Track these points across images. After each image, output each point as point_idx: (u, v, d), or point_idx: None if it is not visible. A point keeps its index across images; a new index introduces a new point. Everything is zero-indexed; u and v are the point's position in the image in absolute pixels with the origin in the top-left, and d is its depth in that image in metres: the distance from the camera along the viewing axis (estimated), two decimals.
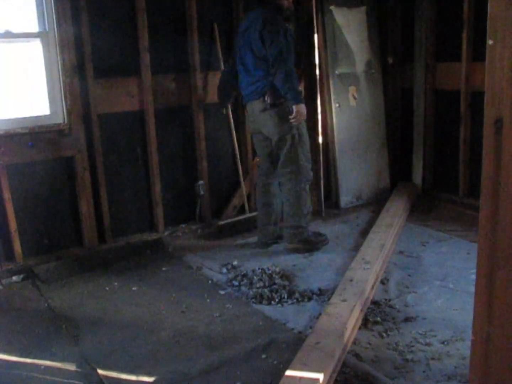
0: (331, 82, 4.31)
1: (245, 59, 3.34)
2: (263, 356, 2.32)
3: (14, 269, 3.27)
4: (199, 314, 2.74)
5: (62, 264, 3.37)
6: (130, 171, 3.71)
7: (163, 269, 3.34)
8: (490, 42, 1.31)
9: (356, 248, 3.39)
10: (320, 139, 4.18)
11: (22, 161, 3.27)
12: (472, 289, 1.55)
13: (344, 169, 4.42)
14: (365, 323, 2.54)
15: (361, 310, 2.57)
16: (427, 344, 2.35)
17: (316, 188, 4.14)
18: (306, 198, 3.47)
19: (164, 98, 3.75)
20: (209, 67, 3.89)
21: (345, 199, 4.44)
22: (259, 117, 3.35)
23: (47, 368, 2.32)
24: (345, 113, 4.40)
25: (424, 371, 2.16)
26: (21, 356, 2.41)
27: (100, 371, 2.27)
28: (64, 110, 3.37)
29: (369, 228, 3.68)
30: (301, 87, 3.79)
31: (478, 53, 3.89)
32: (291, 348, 2.34)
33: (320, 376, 1.93)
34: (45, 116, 3.36)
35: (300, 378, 1.93)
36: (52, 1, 3.22)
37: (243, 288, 2.99)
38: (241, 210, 4.13)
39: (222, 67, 3.85)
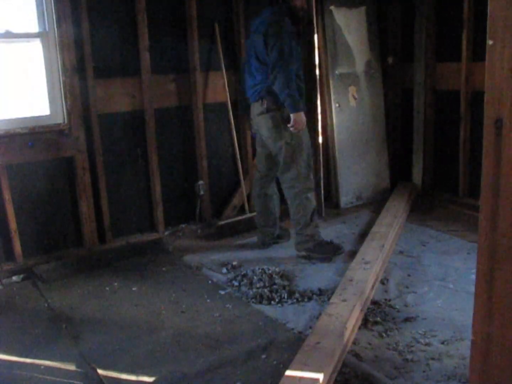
0: (331, 82, 4.31)
1: (250, 61, 3.33)
2: (263, 356, 2.32)
3: (14, 269, 3.27)
4: (199, 314, 2.74)
5: (62, 264, 3.37)
6: (130, 171, 3.71)
7: (163, 269, 3.34)
8: (490, 42, 1.31)
9: (356, 248, 3.38)
10: (320, 139, 4.19)
11: (22, 161, 3.27)
12: (472, 289, 1.55)
13: (344, 169, 4.43)
14: (365, 323, 2.54)
15: (361, 310, 2.57)
16: (427, 344, 2.35)
17: (316, 188, 4.14)
18: (309, 207, 3.35)
19: (164, 98, 3.75)
20: (209, 67, 3.89)
21: (345, 199, 4.44)
22: (257, 119, 3.35)
23: (47, 368, 2.32)
24: (345, 113, 4.41)
25: (424, 371, 2.16)
26: (21, 356, 2.41)
27: (100, 371, 2.27)
28: (64, 110, 3.37)
29: (369, 228, 3.68)
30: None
31: (478, 53, 3.90)
32: (291, 348, 2.34)
33: (320, 376, 1.93)
34: (45, 116, 3.36)
35: (300, 378, 1.93)
36: (52, 1, 3.22)
37: (243, 288, 2.99)
38: (241, 210, 4.13)
39: (223, 67, 3.86)
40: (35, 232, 3.40)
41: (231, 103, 3.96)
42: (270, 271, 3.11)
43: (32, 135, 3.27)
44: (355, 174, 4.49)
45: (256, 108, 3.32)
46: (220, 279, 3.14)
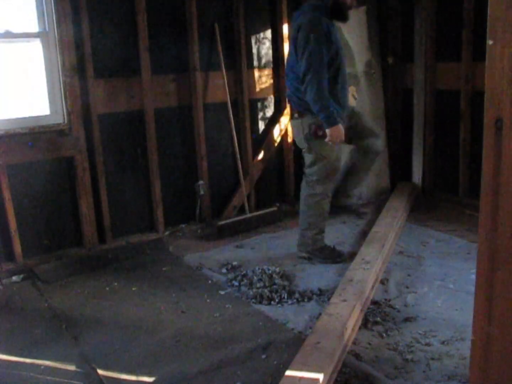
0: None
1: (288, 63, 3.21)
2: (263, 356, 2.32)
3: (14, 269, 3.27)
4: (199, 314, 2.74)
5: (62, 264, 3.38)
6: (130, 171, 3.71)
7: (163, 269, 3.34)
8: (490, 42, 1.31)
9: (356, 248, 3.38)
10: None
11: (22, 161, 3.27)
12: (472, 289, 1.55)
13: (344, 168, 4.41)
14: (365, 323, 2.54)
15: (361, 310, 2.57)
16: (427, 344, 2.35)
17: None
18: (317, 214, 3.26)
19: (164, 98, 3.75)
20: (209, 67, 3.89)
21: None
22: (291, 123, 3.25)
23: (47, 368, 2.32)
24: None
25: (424, 371, 2.16)
26: (21, 356, 2.41)
27: (100, 371, 2.27)
28: (64, 110, 3.37)
29: (369, 228, 3.68)
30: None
31: (478, 53, 3.89)
32: (291, 348, 2.34)
33: (320, 376, 1.93)
34: (45, 116, 3.36)
35: (300, 378, 1.93)
36: (52, 1, 3.22)
37: (243, 288, 2.99)
38: (241, 210, 4.13)
39: (223, 67, 3.86)
40: (35, 232, 3.40)
41: (231, 103, 3.96)
42: (270, 271, 3.11)
43: (32, 135, 3.27)
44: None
45: (291, 109, 3.18)
46: (220, 279, 3.14)
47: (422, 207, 4.30)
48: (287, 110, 4.27)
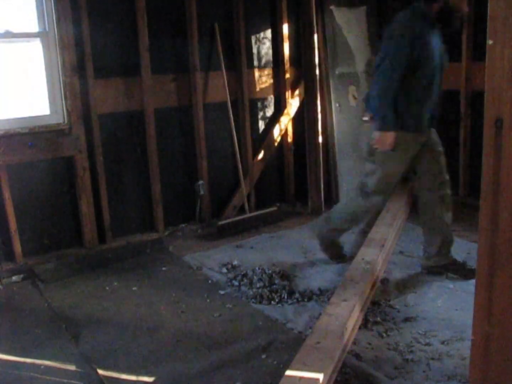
0: (331, 82, 4.31)
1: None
2: (263, 356, 2.32)
3: (14, 269, 3.27)
4: (199, 314, 2.74)
5: (62, 264, 3.37)
6: (130, 171, 3.71)
7: (163, 269, 3.34)
8: (490, 42, 1.31)
9: (356, 248, 3.38)
10: (320, 139, 4.19)
11: (22, 161, 3.27)
12: (472, 289, 1.55)
13: (344, 169, 4.42)
14: (365, 323, 2.54)
15: (361, 310, 2.56)
16: (427, 344, 2.35)
17: (316, 188, 4.15)
18: (349, 220, 3.21)
19: (164, 98, 3.75)
20: (209, 67, 3.89)
21: (345, 199, 4.43)
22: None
23: (47, 368, 2.32)
24: (345, 113, 4.40)
25: (424, 371, 2.16)
26: (21, 356, 2.41)
27: (100, 371, 2.27)
28: (64, 110, 3.37)
29: (369, 228, 3.67)
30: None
31: (478, 53, 3.89)
32: (291, 348, 2.34)
33: (320, 376, 1.93)
34: (45, 116, 3.36)
35: (300, 378, 1.93)
36: (52, 1, 3.22)
37: (243, 288, 2.99)
38: (241, 210, 4.13)
39: (223, 67, 3.86)
40: (35, 232, 3.40)
41: (231, 103, 3.96)
42: (270, 271, 3.11)
43: (32, 135, 3.27)
44: (355, 174, 4.48)
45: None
46: (220, 279, 3.14)
47: None
48: (287, 110, 4.27)
